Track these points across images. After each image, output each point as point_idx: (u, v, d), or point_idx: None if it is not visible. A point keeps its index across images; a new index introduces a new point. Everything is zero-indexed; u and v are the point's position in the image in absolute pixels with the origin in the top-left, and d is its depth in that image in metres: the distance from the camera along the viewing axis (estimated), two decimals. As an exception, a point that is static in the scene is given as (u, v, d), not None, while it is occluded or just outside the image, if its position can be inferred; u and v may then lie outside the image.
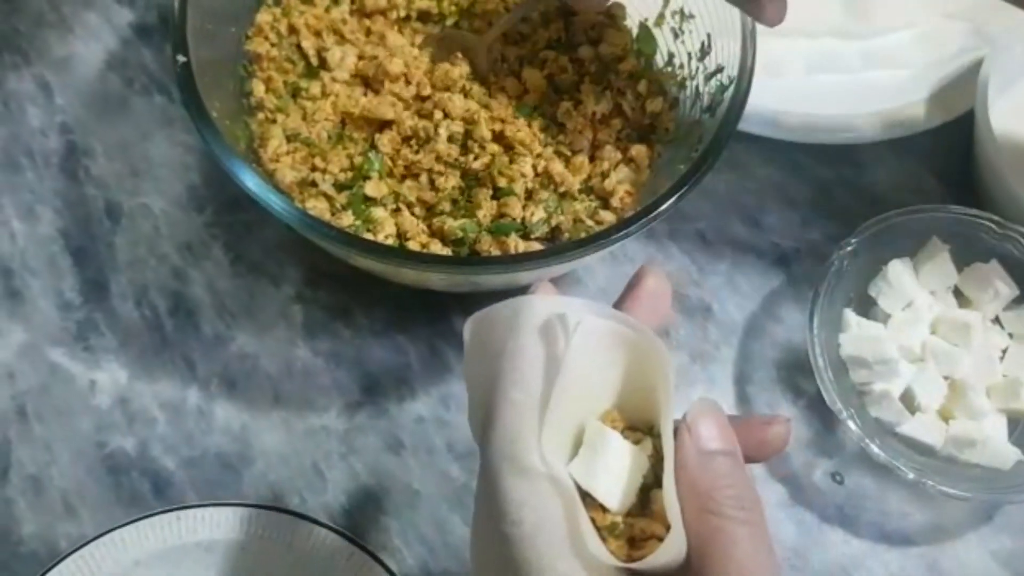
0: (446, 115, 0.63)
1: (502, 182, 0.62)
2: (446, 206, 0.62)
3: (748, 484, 0.37)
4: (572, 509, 0.36)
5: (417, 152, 0.62)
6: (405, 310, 0.67)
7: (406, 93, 0.64)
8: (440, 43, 0.67)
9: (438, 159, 0.62)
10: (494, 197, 0.62)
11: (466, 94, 0.64)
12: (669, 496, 0.36)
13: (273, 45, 0.65)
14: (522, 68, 0.67)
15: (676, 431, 0.38)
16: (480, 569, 0.39)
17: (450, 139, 0.62)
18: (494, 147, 0.62)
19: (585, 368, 0.38)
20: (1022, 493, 0.59)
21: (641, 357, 0.39)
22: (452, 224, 0.61)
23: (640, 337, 0.38)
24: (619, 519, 0.36)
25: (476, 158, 0.62)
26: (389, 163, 0.63)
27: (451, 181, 0.62)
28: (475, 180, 0.62)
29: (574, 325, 0.38)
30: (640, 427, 0.39)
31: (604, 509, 0.36)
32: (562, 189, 0.63)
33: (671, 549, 0.35)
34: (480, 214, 0.61)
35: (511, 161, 0.62)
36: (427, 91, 0.64)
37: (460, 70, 0.64)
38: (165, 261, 0.68)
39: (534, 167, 0.63)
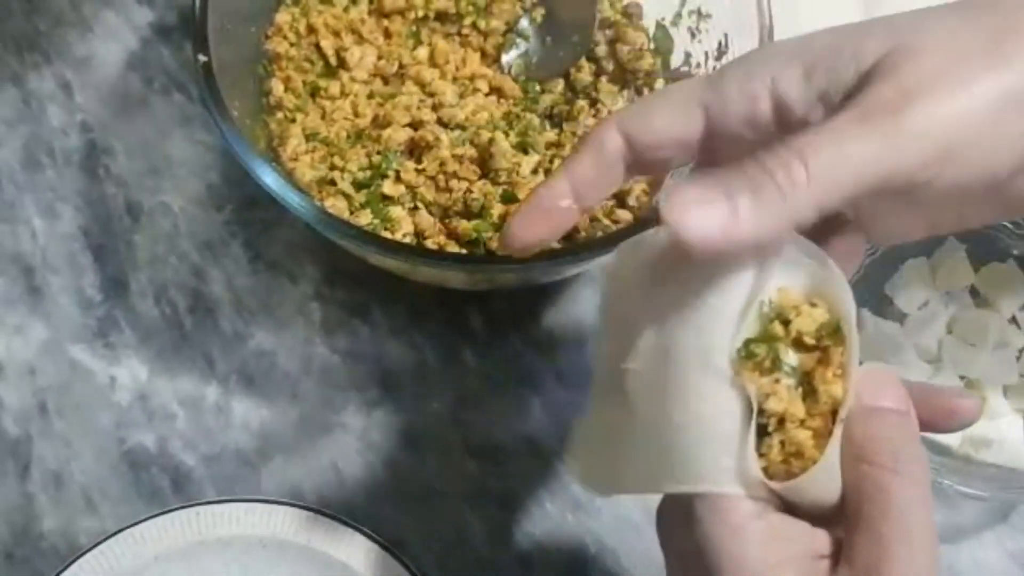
0: (459, 125, 0.64)
1: (507, 184, 0.62)
2: (460, 207, 0.62)
3: (910, 440, 0.36)
4: (746, 416, 0.36)
5: (421, 160, 0.63)
6: (423, 308, 0.67)
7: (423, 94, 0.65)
8: None
9: (443, 164, 0.62)
10: (503, 201, 0.62)
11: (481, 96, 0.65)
12: (834, 437, 0.36)
13: (292, 45, 0.66)
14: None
15: None
16: (638, 458, 0.39)
17: (461, 144, 0.63)
18: (505, 148, 0.63)
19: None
20: (1039, 493, 0.59)
21: (828, 295, 0.38)
22: (466, 226, 0.61)
23: (829, 276, 0.38)
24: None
25: (486, 161, 0.62)
26: (405, 162, 0.63)
27: (463, 185, 0.62)
28: (488, 180, 0.63)
29: (783, 251, 0.38)
30: None
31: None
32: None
33: (812, 480, 0.35)
34: (494, 214, 0.61)
35: (518, 166, 0.62)
36: (444, 94, 0.65)
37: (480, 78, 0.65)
38: (184, 259, 0.69)
39: (547, 170, 0.63)
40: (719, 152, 0.41)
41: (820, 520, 0.37)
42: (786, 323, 0.37)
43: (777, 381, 0.37)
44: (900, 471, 0.35)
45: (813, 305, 0.38)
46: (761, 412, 0.36)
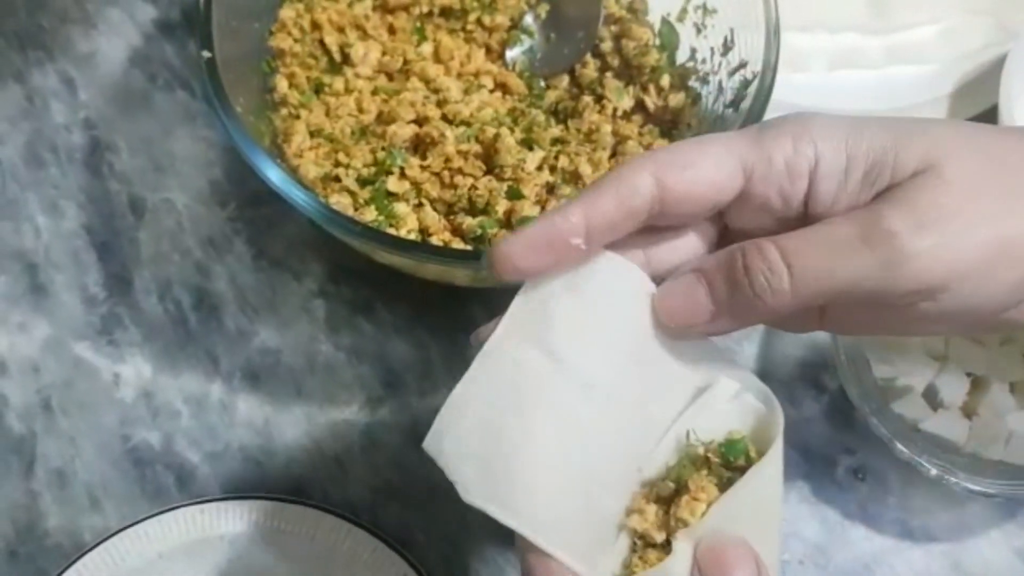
0: (464, 121, 0.63)
1: (512, 180, 0.62)
2: (464, 204, 0.62)
3: None
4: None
5: (426, 156, 0.63)
6: (427, 305, 0.67)
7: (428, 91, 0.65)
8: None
9: (449, 160, 0.62)
10: (508, 197, 0.62)
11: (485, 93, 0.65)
12: (671, 556, 0.37)
13: (296, 41, 0.66)
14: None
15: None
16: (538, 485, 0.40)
17: (466, 140, 0.62)
18: (510, 143, 0.62)
19: None
20: (1047, 490, 0.59)
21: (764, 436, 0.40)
22: (471, 222, 0.61)
23: (774, 420, 0.40)
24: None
25: (491, 157, 0.62)
26: (410, 159, 0.63)
27: (468, 180, 0.62)
28: (493, 176, 0.63)
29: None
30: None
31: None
32: (584, 185, 0.63)
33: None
34: (499, 210, 0.61)
35: (523, 162, 0.62)
36: (448, 90, 0.64)
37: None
38: (188, 256, 0.69)
39: (551, 166, 0.63)
40: (736, 220, 0.41)
41: None
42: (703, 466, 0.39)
43: (647, 501, 0.39)
44: None
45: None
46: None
